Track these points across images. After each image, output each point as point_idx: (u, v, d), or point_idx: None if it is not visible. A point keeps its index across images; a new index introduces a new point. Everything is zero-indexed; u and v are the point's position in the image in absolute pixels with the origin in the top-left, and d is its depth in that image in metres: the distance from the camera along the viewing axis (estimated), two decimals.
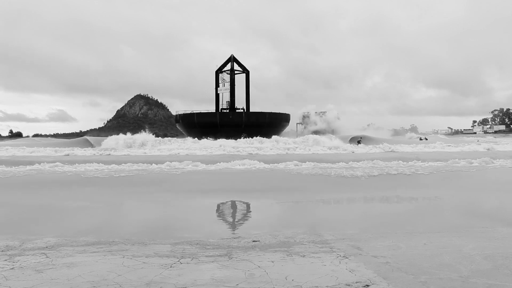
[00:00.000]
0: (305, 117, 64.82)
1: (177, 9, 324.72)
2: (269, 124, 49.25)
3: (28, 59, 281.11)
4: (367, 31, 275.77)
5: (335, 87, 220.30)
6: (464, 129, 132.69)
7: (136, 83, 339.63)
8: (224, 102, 54.29)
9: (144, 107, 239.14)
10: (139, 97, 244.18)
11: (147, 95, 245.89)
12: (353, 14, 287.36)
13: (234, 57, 54.00)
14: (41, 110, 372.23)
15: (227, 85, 53.44)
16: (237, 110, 53.66)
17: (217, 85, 54.56)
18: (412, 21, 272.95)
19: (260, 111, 52.23)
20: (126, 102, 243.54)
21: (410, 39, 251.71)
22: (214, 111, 53.65)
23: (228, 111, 53.36)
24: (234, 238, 5.31)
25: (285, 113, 54.27)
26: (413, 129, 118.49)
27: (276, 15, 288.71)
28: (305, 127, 63.05)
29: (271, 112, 51.75)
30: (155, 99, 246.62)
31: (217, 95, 54.72)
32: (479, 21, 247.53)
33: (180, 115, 53.69)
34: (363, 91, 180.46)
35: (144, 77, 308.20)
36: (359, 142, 35.42)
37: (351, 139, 37.63)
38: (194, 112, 51.99)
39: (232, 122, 48.63)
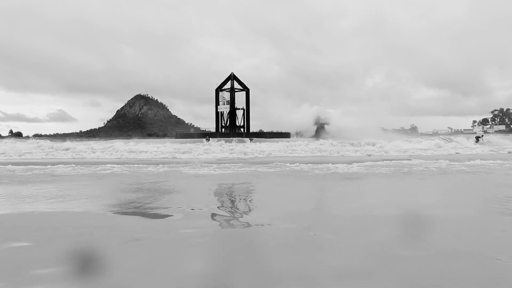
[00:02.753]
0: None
1: (178, 9, 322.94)
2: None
3: (29, 59, 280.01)
4: (368, 31, 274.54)
5: (336, 87, 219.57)
6: (464, 129, 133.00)
7: (137, 83, 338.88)
8: (224, 102, 54.17)
9: (144, 107, 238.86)
10: (139, 97, 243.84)
11: (147, 95, 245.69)
12: (354, 14, 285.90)
13: (234, 75, 54.01)
14: (41, 110, 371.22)
15: (227, 104, 53.54)
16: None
17: (217, 103, 54.59)
18: (413, 20, 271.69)
19: (259, 131, 52.49)
20: (126, 102, 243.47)
21: (411, 39, 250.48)
22: (214, 130, 53.81)
23: (228, 127, 53.49)
24: None
25: (285, 132, 54.34)
26: (413, 129, 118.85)
27: (276, 14, 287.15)
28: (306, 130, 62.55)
29: (271, 132, 51.91)
30: (155, 99, 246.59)
31: (217, 113, 54.77)
32: (480, 21, 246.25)
33: (180, 133, 53.82)
34: (364, 91, 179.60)
35: (145, 77, 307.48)
36: (479, 137, 36.77)
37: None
38: (195, 132, 52.13)
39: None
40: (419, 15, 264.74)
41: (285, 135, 54.48)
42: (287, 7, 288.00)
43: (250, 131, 53.83)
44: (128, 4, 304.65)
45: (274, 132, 52.66)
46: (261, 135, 51.21)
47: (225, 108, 54.07)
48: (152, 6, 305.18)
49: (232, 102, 53.55)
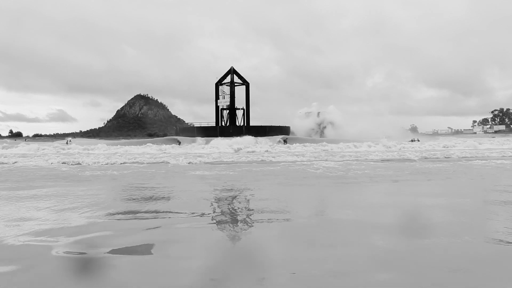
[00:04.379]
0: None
1: (178, 9, 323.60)
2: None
3: (29, 59, 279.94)
4: (368, 31, 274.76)
5: (336, 87, 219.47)
6: (464, 129, 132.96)
7: (138, 83, 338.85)
8: (224, 96, 54.25)
9: (144, 107, 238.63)
10: (139, 97, 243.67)
11: (147, 95, 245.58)
12: (354, 14, 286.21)
13: (234, 69, 54.03)
14: (41, 110, 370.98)
15: (227, 98, 53.51)
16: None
17: (217, 98, 54.56)
18: (413, 20, 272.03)
19: (260, 125, 52.41)
20: (126, 102, 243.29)
21: (411, 39, 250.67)
22: (214, 124, 53.75)
23: (228, 124, 53.42)
24: None
25: (285, 126, 54.30)
26: (413, 129, 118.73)
27: (276, 14, 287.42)
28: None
29: (271, 126, 51.79)
30: (155, 99, 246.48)
31: (217, 108, 54.72)
32: (480, 20, 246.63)
33: (180, 127, 53.72)
34: (364, 91, 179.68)
35: (145, 77, 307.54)
36: None
37: None
38: (195, 125, 52.04)
39: (232, 136, 48.66)
40: (419, 15, 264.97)
41: (285, 129, 54.48)
42: (287, 7, 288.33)
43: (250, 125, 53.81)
44: (128, 4, 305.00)
45: (273, 126, 52.59)
46: (261, 129, 51.17)
47: (225, 102, 53.99)
48: (152, 6, 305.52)
49: (232, 96, 53.53)
